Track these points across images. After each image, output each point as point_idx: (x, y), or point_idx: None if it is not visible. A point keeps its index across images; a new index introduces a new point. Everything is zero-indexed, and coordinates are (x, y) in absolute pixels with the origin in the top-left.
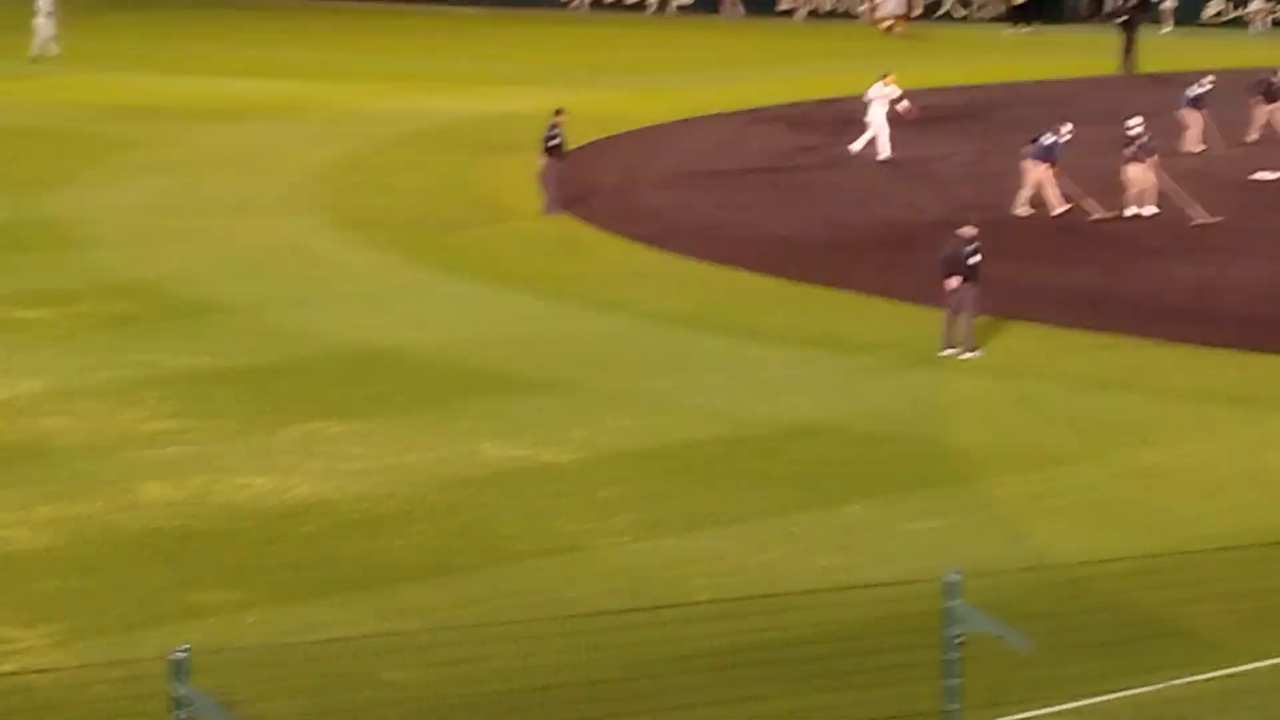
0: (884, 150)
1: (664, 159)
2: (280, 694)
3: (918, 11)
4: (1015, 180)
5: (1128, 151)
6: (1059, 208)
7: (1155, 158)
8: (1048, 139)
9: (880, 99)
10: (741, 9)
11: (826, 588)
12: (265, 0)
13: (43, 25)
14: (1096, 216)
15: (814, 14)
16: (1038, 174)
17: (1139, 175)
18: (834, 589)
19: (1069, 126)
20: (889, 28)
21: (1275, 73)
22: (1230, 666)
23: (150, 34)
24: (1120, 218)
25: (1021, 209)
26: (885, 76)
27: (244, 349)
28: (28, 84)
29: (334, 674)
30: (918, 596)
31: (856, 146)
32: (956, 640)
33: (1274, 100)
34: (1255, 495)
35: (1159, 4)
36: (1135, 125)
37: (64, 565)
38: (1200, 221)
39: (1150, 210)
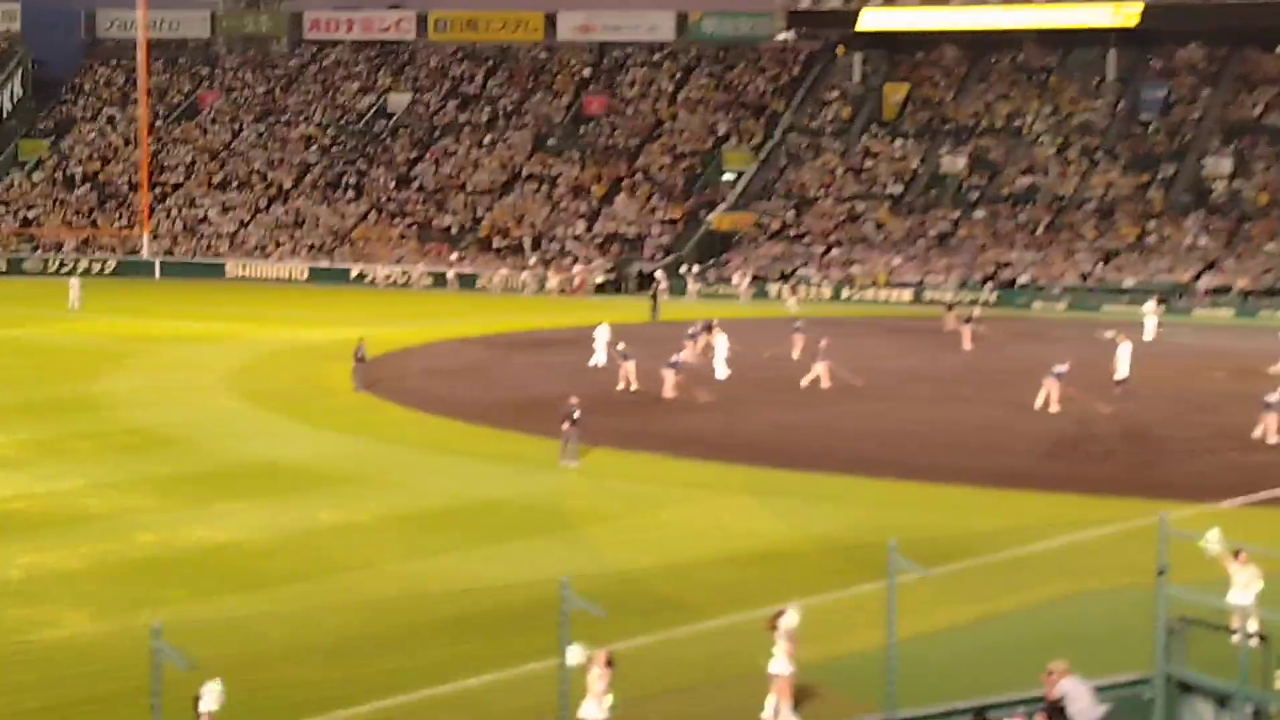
0: (601, 362)
1: (418, 363)
2: (209, 644)
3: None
4: (609, 373)
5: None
6: (633, 386)
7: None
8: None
9: (603, 333)
10: (459, 285)
11: (499, 586)
12: (198, 281)
13: (74, 293)
14: (666, 395)
15: (506, 288)
16: (628, 367)
17: (629, 370)
18: (504, 586)
19: (683, 354)
20: (564, 291)
21: (713, 320)
22: (704, 623)
23: (133, 298)
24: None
25: (629, 387)
26: (602, 323)
27: (192, 462)
28: (69, 324)
29: (239, 633)
30: (547, 589)
31: (599, 362)
32: (569, 611)
33: (711, 332)
34: (719, 538)
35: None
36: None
37: (95, 577)
38: (668, 396)
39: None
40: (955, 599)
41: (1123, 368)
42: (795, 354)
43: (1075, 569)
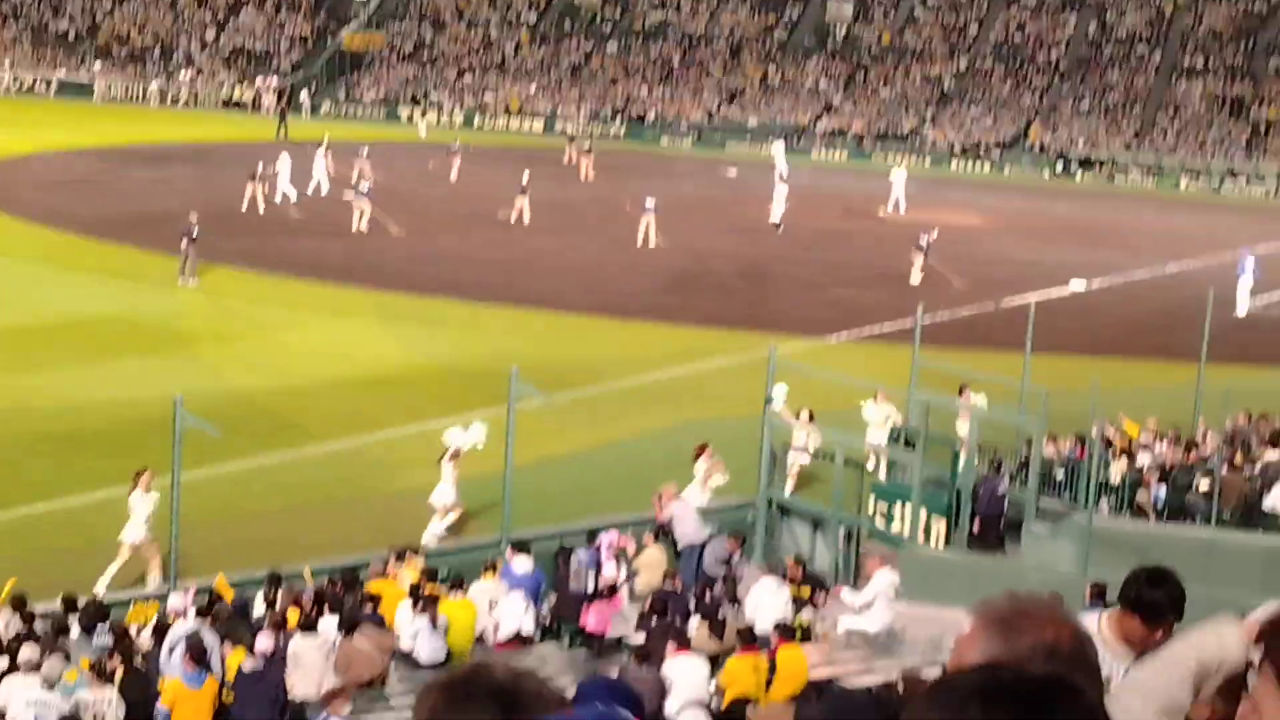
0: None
1: (30, 174)
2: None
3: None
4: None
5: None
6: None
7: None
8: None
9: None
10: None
11: (111, 403)
12: None
13: None
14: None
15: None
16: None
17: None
18: (116, 403)
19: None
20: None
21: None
22: (322, 445)
23: None
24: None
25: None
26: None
27: None
28: None
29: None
30: (162, 407)
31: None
32: (183, 430)
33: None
34: (341, 362)
35: (301, 102)
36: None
37: None
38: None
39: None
40: (573, 425)
41: (777, 210)
42: (453, 177)
43: (690, 398)
